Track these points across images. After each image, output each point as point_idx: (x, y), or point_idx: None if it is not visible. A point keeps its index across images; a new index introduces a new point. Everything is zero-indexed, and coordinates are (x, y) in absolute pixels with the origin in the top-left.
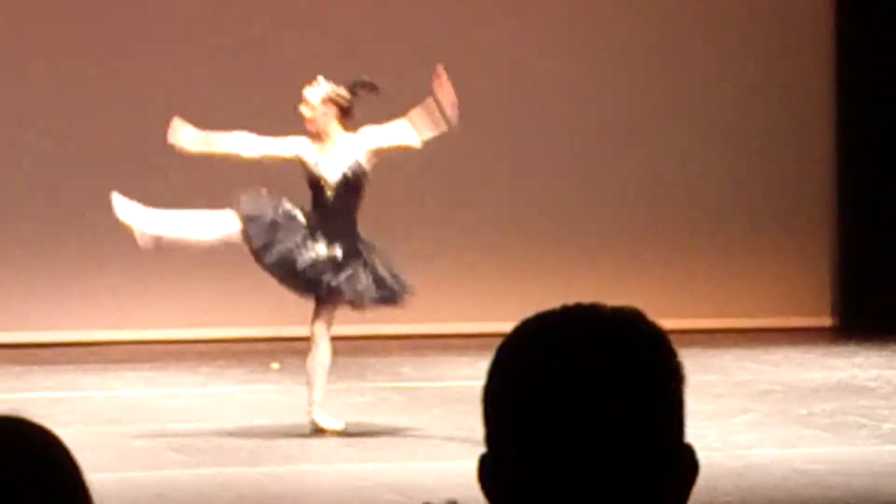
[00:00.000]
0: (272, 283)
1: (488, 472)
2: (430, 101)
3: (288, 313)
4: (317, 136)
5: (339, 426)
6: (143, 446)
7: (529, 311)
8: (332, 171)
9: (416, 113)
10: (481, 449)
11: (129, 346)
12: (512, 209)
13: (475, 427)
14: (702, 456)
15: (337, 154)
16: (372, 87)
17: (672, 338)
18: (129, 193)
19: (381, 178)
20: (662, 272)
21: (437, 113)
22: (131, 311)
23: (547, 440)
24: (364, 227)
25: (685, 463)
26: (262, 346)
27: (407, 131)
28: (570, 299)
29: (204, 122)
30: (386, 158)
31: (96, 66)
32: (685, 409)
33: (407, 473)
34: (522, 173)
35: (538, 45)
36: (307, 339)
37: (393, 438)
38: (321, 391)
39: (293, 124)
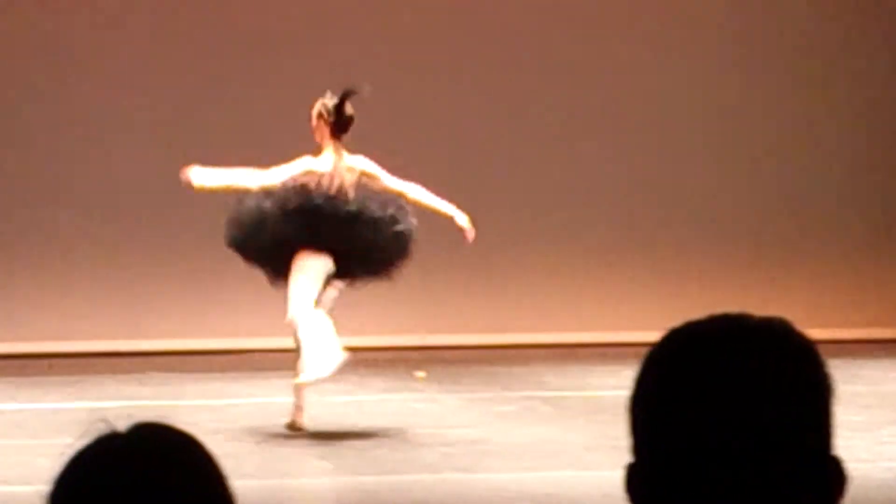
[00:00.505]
0: (419, 291)
1: (635, 480)
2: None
3: (435, 322)
4: (317, 149)
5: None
6: (288, 454)
7: (673, 321)
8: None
9: (434, 200)
10: (625, 458)
11: (276, 354)
12: (656, 217)
13: (619, 436)
14: (850, 468)
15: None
16: (350, 93)
17: (819, 348)
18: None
19: (535, 187)
20: (808, 281)
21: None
22: (278, 319)
23: (695, 449)
24: (516, 237)
25: (834, 474)
26: (407, 354)
27: (412, 190)
28: (716, 308)
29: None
30: (544, 165)
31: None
32: (834, 420)
33: (551, 483)
34: (670, 181)
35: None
36: (454, 348)
37: (537, 448)
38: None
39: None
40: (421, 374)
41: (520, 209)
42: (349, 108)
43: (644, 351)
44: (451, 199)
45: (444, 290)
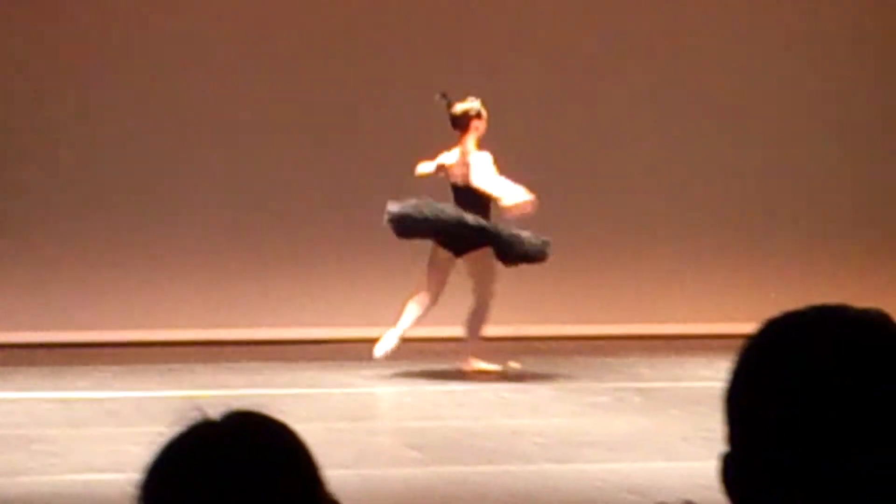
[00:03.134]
0: (515, 283)
1: (731, 471)
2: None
3: (529, 312)
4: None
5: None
6: (381, 443)
7: (767, 313)
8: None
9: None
10: (719, 449)
11: (369, 344)
12: (753, 209)
13: (713, 428)
14: None
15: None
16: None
17: None
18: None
19: (627, 179)
20: None
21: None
22: (374, 308)
23: (794, 440)
24: (610, 228)
25: None
26: (502, 344)
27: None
28: (811, 300)
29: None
30: (638, 157)
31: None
32: None
33: (644, 474)
34: (771, 172)
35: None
36: (547, 339)
37: (630, 438)
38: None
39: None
40: (515, 363)
41: (612, 201)
42: (456, 108)
43: (738, 342)
44: (544, 193)
45: (538, 281)
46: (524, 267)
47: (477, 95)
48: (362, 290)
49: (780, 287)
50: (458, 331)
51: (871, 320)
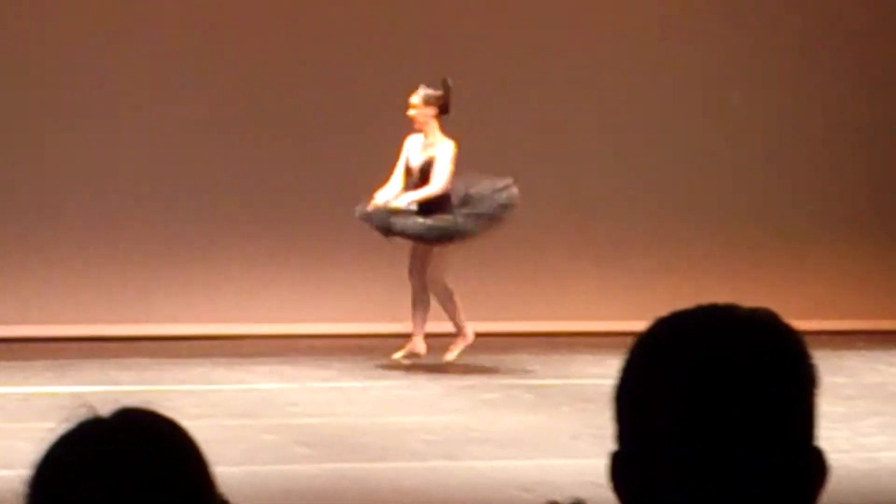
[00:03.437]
0: (404, 280)
1: (619, 469)
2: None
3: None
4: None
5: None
6: (271, 440)
7: (658, 311)
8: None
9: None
10: (609, 447)
11: (260, 341)
12: (643, 208)
13: (603, 425)
14: (831, 458)
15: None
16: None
17: (804, 338)
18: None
19: (518, 178)
20: (792, 272)
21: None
22: (263, 305)
23: (680, 438)
24: (508, 230)
25: (815, 465)
26: (393, 342)
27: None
28: (699, 299)
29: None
30: (528, 157)
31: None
32: (817, 411)
33: (534, 471)
34: (658, 174)
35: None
36: (438, 336)
37: (521, 435)
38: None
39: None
40: (404, 359)
41: None
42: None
43: (629, 340)
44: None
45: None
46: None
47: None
48: (253, 286)
49: (668, 286)
50: (354, 328)
51: (759, 320)
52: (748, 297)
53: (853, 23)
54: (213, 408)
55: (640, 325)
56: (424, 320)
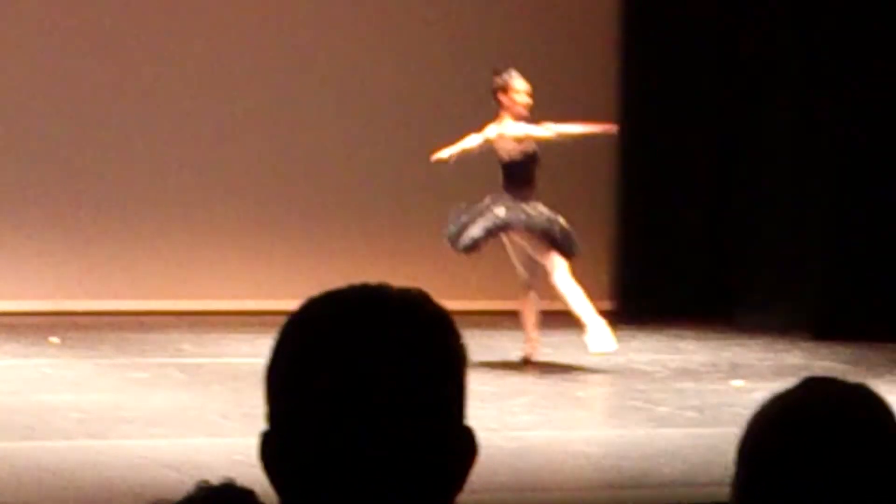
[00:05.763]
0: (52, 255)
1: (269, 449)
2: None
3: (68, 288)
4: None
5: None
6: None
7: (311, 290)
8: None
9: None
10: (261, 426)
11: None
12: (299, 190)
13: (254, 405)
14: (481, 437)
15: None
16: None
17: (455, 319)
18: None
19: (173, 164)
20: (444, 254)
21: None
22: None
23: (330, 419)
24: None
25: (465, 444)
26: (41, 319)
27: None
28: (355, 279)
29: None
30: (182, 150)
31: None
32: (466, 390)
33: (184, 449)
34: (302, 158)
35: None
36: (87, 314)
37: (170, 414)
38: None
39: None
40: (55, 339)
41: (153, 175)
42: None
43: (281, 320)
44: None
45: (79, 255)
46: (64, 241)
47: None
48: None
49: (323, 265)
50: (2, 305)
51: (410, 299)
52: (407, 276)
53: None
54: None
55: (294, 304)
56: None
